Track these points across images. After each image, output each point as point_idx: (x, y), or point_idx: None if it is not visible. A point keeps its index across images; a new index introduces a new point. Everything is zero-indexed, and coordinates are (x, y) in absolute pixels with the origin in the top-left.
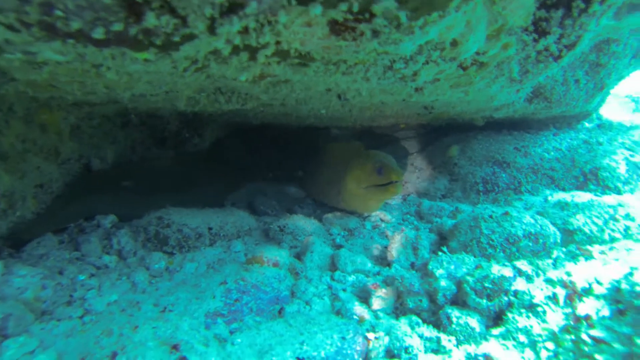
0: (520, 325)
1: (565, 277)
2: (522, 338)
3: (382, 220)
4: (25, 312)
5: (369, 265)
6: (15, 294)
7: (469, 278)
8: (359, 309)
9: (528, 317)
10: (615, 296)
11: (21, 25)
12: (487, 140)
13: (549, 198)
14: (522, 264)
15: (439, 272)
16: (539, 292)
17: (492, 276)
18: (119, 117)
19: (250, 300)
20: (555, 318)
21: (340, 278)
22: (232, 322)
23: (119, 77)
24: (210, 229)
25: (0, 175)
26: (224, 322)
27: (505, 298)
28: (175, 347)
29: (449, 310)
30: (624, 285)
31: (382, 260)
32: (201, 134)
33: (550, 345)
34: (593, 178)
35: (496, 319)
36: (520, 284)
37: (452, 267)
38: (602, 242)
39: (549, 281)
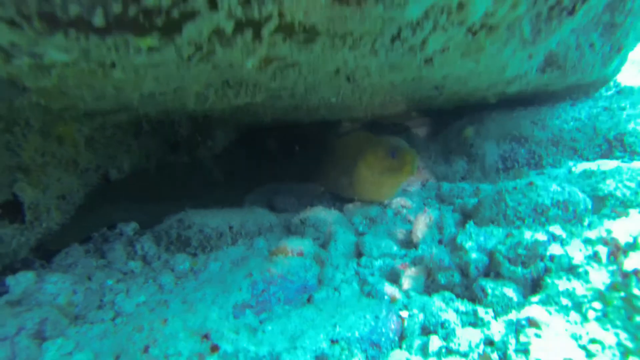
0: (561, 289)
1: (605, 235)
2: (565, 301)
3: (402, 206)
4: (60, 317)
5: (395, 248)
6: (49, 300)
7: (500, 247)
8: (389, 289)
9: (569, 279)
10: None
11: (22, 18)
12: (502, 118)
13: (573, 169)
14: (556, 229)
15: (469, 244)
16: (577, 253)
17: (525, 242)
18: (131, 127)
19: (277, 290)
20: (600, 277)
21: (367, 263)
22: (261, 312)
23: (125, 75)
24: (231, 227)
25: (24, 188)
26: (252, 313)
27: (542, 263)
28: (206, 336)
29: (483, 282)
30: None
31: (408, 243)
32: (213, 137)
33: (598, 305)
34: (618, 145)
35: (534, 286)
36: (555, 248)
37: (482, 238)
38: (638, 205)
39: (587, 241)
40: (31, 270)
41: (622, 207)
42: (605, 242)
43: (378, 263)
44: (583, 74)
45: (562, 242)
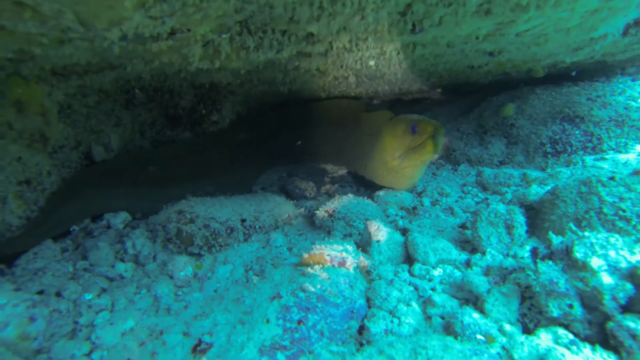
0: None
1: None
2: None
3: (440, 194)
4: (8, 358)
5: (455, 252)
6: None
7: None
8: (480, 323)
9: None
10: None
11: None
12: (549, 94)
13: None
14: None
15: (596, 262)
16: None
17: None
18: (121, 94)
19: (318, 319)
20: None
21: (423, 273)
22: (299, 356)
23: None
24: (243, 220)
25: None
26: (286, 357)
27: None
28: None
29: (631, 324)
30: None
31: (464, 244)
32: (219, 109)
33: None
34: None
35: None
36: None
37: (612, 253)
38: None
39: None
40: None
41: None
42: None
43: (437, 273)
44: None
45: None
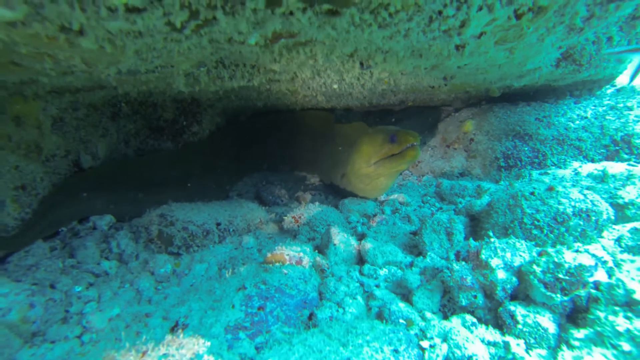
0: (620, 329)
1: None
2: (627, 346)
3: (401, 203)
4: (11, 337)
5: (400, 255)
6: None
7: (535, 268)
8: (403, 310)
9: (628, 318)
10: None
11: None
12: (505, 112)
13: (579, 170)
14: (595, 249)
15: (495, 262)
16: (636, 285)
17: (567, 265)
18: (108, 107)
19: (275, 307)
20: None
21: (371, 272)
22: (257, 335)
23: (97, 45)
24: (218, 224)
25: None
26: (247, 337)
27: (583, 291)
28: None
29: (512, 307)
30: None
31: (412, 248)
32: (200, 121)
33: None
34: (625, 146)
35: (571, 317)
36: (600, 274)
37: (509, 254)
38: None
39: None
40: None
41: None
42: None
43: (383, 272)
44: (597, 69)
45: (607, 267)
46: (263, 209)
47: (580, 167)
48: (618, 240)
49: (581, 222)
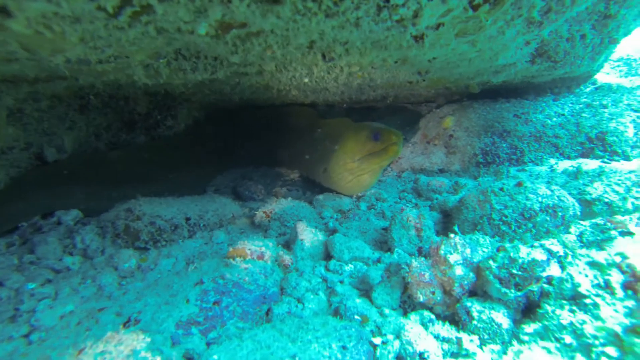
0: (564, 322)
1: (618, 260)
2: (569, 339)
3: (377, 199)
4: None
5: (368, 251)
6: None
7: (491, 264)
8: (359, 306)
9: (572, 311)
10: None
11: None
12: (484, 108)
13: (555, 167)
14: (552, 244)
15: (454, 257)
16: (583, 278)
17: (521, 260)
18: (75, 99)
19: (231, 302)
20: (614, 314)
21: (337, 268)
22: (210, 331)
23: (32, 30)
24: (188, 219)
25: None
26: (199, 332)
27: (536, 286)
28: None
29: (468, 304)
30: None
31: (382, 244)
32: (174, 115)
33: (612, 350)
34: (600, 143)
35: (525, 311)
36: (554, 269)
37: (468, 250)
38: (625, 211)
39: (594, 265)
40: None
41: (608, 212)
42: (621, 270)
43: (349, 268)
44: (572, 66)
45: (562, 261)
46: (237, 204)
47: (557, 164)
48: (580, 235)
49: (548, 218)
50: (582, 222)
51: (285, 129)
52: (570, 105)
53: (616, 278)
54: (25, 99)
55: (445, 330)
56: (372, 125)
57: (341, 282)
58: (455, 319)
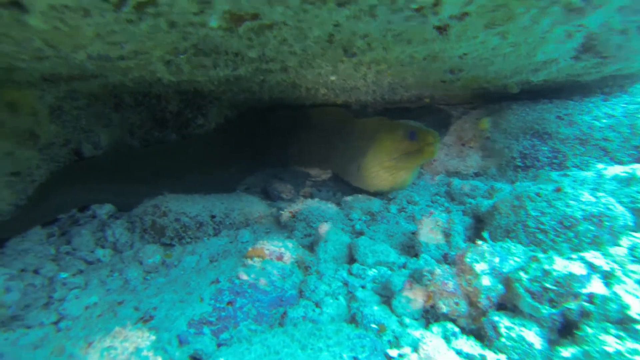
0: (609, 350)
1: None
2: None
3: (408, 202)
4: None
5: (393, 255)
6: None
7: (522, 275)
8: (377, 314)
9: (620, 337)
10: None
11: None
12: (524, 109)
13: (604, 172)
14: (594, 257)
15: (480, 266)
16: (633, 300)
17: (556, 274)
18: (110, 98)
19: (246, 303)
20: None
21: (359, 272)
22: (223, 331)
23: (50, 25)
24: (213, 216)
25: None
26: (211, 332)
27: (575, 304)
28: None
29: (496, 318)
30: None
31: (409, 249)
32: (205, 113)
33: None
34: None
35: (562, 332)
36: (597, 286)
37: (497, 259)
38: None
39: None
40: None
41: None
42: None
43: (372, 273)
44: (626, 62)
45: (606, 278)
46: (265, 203)
47: (605, 169)
48: (632, 249)
49: (592, 228)
50: (635, 234)
51: (318, 128)
52: (624, 105)
53: None
54: (64, 97)
55: (469, 345)
56: (408, 124)
57: (363, 287)
58: (481, 334)
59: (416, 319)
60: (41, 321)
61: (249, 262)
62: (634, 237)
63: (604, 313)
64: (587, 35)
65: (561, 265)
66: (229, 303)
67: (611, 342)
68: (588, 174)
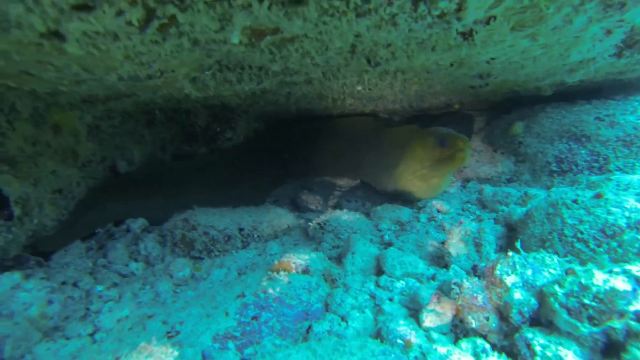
0: None
1: None
2: None
3: (439, 211)
4: (30, 331)
5: (422, 266)
6: (21, 310)
7: (557, 289)
8: (403, 329)
9: None
10: None
11: None
12: (559, 112)
13: None
14: (638, 269)
15: (511, 279)
16: None
17: (595, 289)
18: (142, 115)
19: (271, 317)
20: None
21: (387, 284)
22: (247, 346)
23: (84, 51)
24: (241, 229)
25: (10, 181)
26: (235, 347)
27: (620, 323)
28: None
29: (529, 335)
30: None
31: (439, 259)
32: (234, 127)
33: None
34: None
35: (607, 353)
36: None
37: (529, 271)
38: None
39: None
40: (20, 270)
41: None
42: None
43: (400, 285)
44: None
45: None
46: (293, 215)
47: None
48: None
49: (639, 237)
50: None
51: (346, 138)
52: None
53: None
54: (101, 117)
55: None
56: (438, 131)
57: (390, 299)
58: (513, 352)
59: (445, 334)
60: (79, 332)
61: (275, 275)
62: None
63: None
64: (630, 30)
65: (601, 279)
66: (254, 318)
67: None
68: (635, 177)
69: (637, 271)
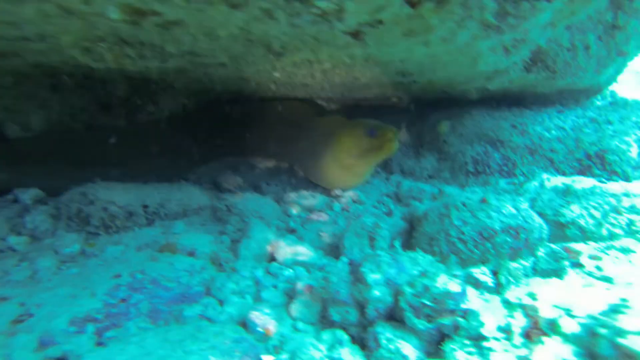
0: None
1: (527, 300)
2: None
3: (354, 201)
4: None
5: (314, 255)
6: None
7: (407, 289)
8: (265, 318)
9: (470, 353)
10: (589, 343)
11: None
12: (482, 116)
13: (546, 183)
14: (480, 272)
15: (374, 276)
16: (490, 318)
17: (434, 290)
18: (45, 78)
19: (142, 299)
20: None
21: (277, 271)
22: (109, 329)
23: None
24: (145, 206)
25: None
26: (95, 331)
27: (449, 320)
28: None
29: (379, 330)
30: (602, 330)
31: (334, 250)
32: (156, 101)
33: None
34: (598, 161)
35: (439, 345)
36: (475, 302)
37: (394, 270)
38: (599, 238)
39: (506, 303)
40: None
41: (582, 238)
42: (526, 312)
43: (289, 273)
44: (574, 78)
45: (484, 293)
46: (207, 194)
47: (548, 179)
48: (535, 262)
49: (508, 239)
50: (550, 245)
51: (278, 121)
52: (574, 118)
53: (519, 321)
54: None
55: (351, 355)
56: (367, 122)
57: (275, 286)
58: (364, 344)
59: (313, 324)
60: None
61: (160, 255)
62: (545, 247)
63: (468, 330)
64: (536, 49)
65: (441, 282)
66: (123, 300)
67: (461, 358)
68: (533, 184)
69: (477, 272)
